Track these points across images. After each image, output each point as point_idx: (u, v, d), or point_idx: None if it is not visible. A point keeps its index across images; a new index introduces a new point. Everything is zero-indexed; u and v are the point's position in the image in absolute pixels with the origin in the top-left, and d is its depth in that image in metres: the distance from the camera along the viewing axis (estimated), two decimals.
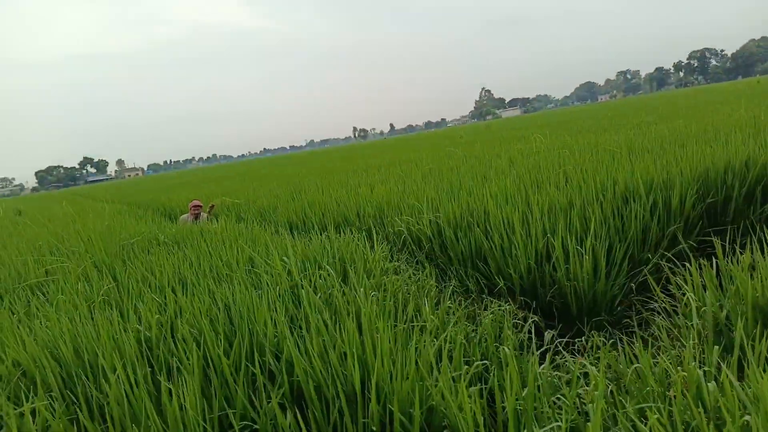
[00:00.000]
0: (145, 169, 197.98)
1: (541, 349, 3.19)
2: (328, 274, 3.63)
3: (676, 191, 4.44)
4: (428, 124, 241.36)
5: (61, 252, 5.83)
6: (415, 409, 2.16)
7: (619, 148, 7.09)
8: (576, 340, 3.47)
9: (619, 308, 3.62)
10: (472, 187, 5.78)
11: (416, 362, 2.43)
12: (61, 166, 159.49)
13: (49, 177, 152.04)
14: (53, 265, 4.95)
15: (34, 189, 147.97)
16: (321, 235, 6.03)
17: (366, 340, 2.52)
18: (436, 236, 4.84)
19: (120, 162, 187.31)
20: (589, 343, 3.31)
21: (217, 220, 9.03)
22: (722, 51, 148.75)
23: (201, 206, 9.23)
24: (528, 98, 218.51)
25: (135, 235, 6.37)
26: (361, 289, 3.30)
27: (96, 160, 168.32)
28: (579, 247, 3.69)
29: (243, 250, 4.34)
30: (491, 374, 2.68)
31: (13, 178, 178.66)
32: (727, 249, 3.65)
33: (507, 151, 10.22)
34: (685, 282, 3.14)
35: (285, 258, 3.96)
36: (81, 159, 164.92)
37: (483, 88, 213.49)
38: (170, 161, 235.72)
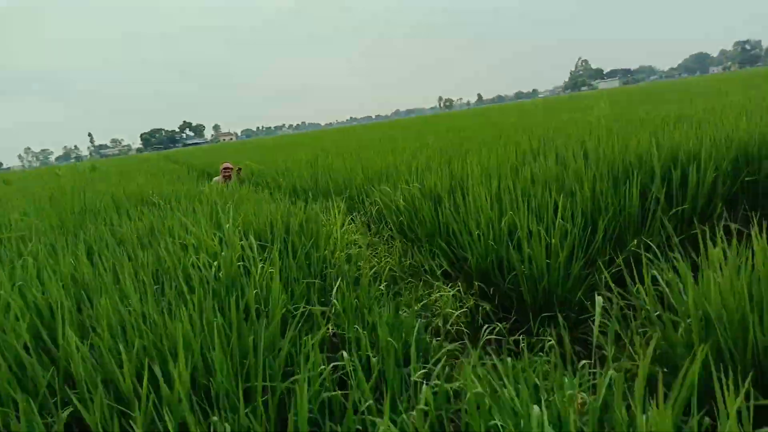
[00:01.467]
0: (239, 134, 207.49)
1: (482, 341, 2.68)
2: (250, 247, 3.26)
3: (693, 166, 3.60)
4: (519, 95, 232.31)
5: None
6: None
7: (668, 118, 6.06)
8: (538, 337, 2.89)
9: (576, 304, 2.96)
10: (475, 158, 5.14)
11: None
12: (163, 129, 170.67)
13: (152, 139, 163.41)
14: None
15: (138, 150, 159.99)
16: (315, 202, 5.69)
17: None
18: (410, 209, 4.31)
19: (216, 127, 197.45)
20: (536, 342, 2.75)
21: (241, 184, 8.98)
22: None
23: (231, 168, 9.20)
24: (629, 69, 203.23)
25: (145, 195, 6.40)
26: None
27: (194, 124, 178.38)
28: (540, 228, 3.04)
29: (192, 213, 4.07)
30: None
31: (122, 139, 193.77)
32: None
33: (554, 120, 9.24)
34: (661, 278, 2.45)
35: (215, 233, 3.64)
36: (181, 123, 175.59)
37: (579, 58, 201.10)
38: (262, 127, 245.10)
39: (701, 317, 1.83)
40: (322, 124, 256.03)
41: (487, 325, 2.86)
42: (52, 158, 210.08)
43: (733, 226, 2.75)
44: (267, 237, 3.64)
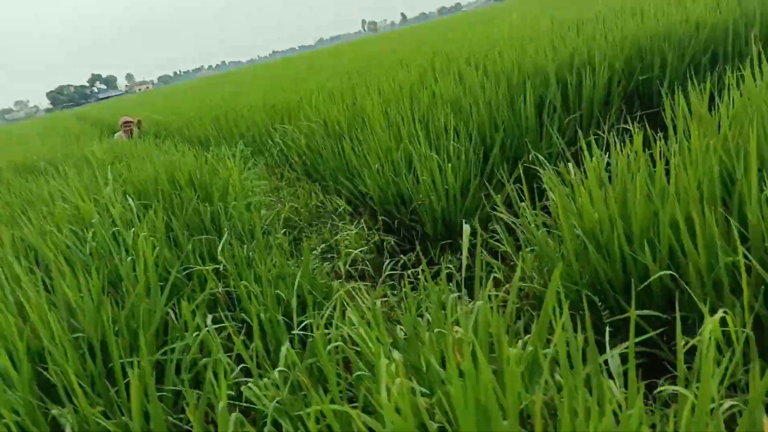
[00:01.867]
0: (155, 81, 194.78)
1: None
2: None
3: (587, 69, 3.54)
4: (442, 11, 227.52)
5: None
6: None
7: (568, 21, 5.98)
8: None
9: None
10: (375, 85, 4.91)
11: None
12: (71, 85, 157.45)
13: (60, 97, 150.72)
14: None
15: (47, 110, 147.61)
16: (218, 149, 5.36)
17: None
18: (313, 148, 4.10)
19: (129, 76, 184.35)
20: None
21: (141, 137, 8.39)
22: None
23: (131, 122, 8.55)
24: None
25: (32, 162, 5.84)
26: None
27: (105, 76, 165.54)
28: (432, 153, 2.93)
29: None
30: None
31: (28, 101, 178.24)
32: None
33: (467, 38, 9.01)
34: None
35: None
36: (89, 76, 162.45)
37: None
38: (180, 71, 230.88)
39: (577, 235, 1.79)
40: (244, 61, 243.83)
41: (390, 260, 2.79)
42: None
43: (630, 127, 2.73)
44: (151, 196, 3.37)
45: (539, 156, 2.54)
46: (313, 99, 4.79)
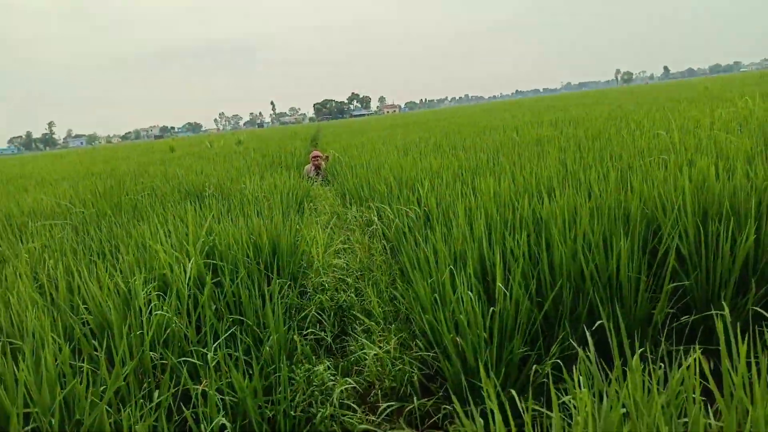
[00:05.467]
0: (402, 106, 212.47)
1: None
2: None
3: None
4: (714, 68, 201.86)
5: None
6: None
7: None
8: None
9: None
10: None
11: None
12: (333, 100, 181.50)
13: (323, 109, 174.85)
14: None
15: (311, 119, 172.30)
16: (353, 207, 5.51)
17: None
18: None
19: (381, 99, 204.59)
20: None
21: (320, 175, 9.04)
22: None
23: (320, 156, 9.32)
24: None
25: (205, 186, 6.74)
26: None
27: (361, 95, 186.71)
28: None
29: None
30: None
31: (299, 108, 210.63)
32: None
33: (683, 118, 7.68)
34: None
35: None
36: (349, 94, 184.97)
37: None
38: (425, 100, 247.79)
39: None
40: (486, 97, 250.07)
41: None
42: (241, 123, 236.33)
43: None
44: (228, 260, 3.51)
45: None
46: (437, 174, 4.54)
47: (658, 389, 1.61)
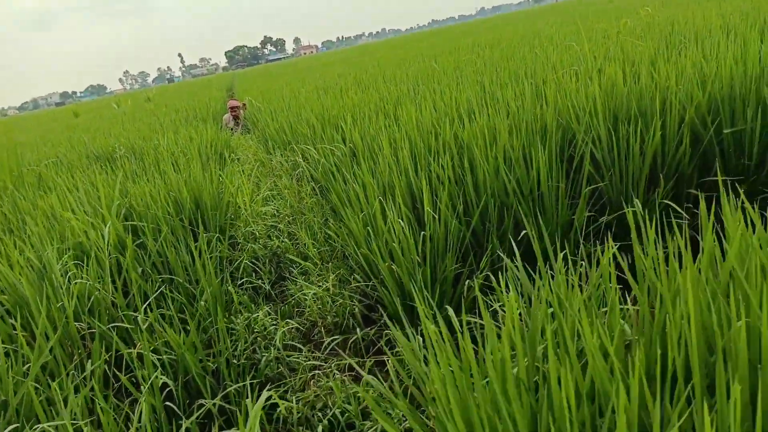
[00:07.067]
0: (319, 46, 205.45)
1: None
2: None
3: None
4: None
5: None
6: None
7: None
8: None
9: None
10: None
11: None
12: (246, 46, 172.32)
13: (236, 56, 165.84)
14: None
15: (224, 68, 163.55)
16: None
17: None
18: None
19: (296, 40, 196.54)
20: None
21: (239, 124, 8.69)
22: None
23: (238, 107, 8.92)
24: None
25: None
26: None
27: (275, 39, 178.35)
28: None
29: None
30: None
31: (210, 58, 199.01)
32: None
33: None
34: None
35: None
36: (262, 38, 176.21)
37: None
38: (342, 37, 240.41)
39: None
40: (403, 29, 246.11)
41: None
42: (150, 80, 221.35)
43: None
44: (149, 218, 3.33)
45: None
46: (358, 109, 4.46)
47: (580, 285, 1.71)
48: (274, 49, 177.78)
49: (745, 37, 3.60)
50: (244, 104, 9.04)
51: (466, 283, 2.38)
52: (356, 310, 2.65)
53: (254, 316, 2.57)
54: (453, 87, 4.88)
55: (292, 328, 2.52)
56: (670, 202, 2.47)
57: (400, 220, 2.51)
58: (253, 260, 3.32)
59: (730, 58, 3.07)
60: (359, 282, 2.77)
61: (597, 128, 2.89)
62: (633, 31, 6.00)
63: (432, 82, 5.66)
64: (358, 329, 2.53)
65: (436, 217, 2.54)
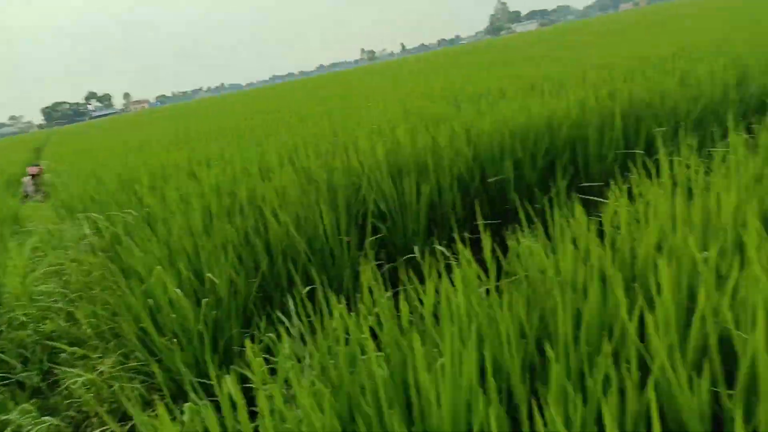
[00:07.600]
0: (152, 101, 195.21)
1: None
2: None
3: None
4: (441, 42, 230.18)
5: None
6: None
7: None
8: None
9: None
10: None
11: None
12: (66, 102, 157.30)
13: (54, 113, 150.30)
14: None
15: (39, 126, 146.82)
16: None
17: None
18: None
19: (126, 95, 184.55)
20: None
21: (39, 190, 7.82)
22: None
23: (35, 174, 8.02)
24: (546, 10, 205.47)
25: None
26: None
27: (100, 94, 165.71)
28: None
29: None
30: None
31: (22, 116, 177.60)
32: None
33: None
34: None
35: None
36: (86, 93, 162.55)
37: (498, 0, 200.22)
38: (178, 92, 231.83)
39: None
40: (243, 84, 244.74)
41: None
42: None
43: None
44: None
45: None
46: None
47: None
48: (101, 104, 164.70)
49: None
50: (41, 169, 8.14)
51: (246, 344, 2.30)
52: (136, 393, 2.40)
53: (6, 418, 2.20)
54: (263, 142, 4.91)
55: (51, 425, 2.19)
56: (443, 248, 2.66)
57: (177, 290, 2.36)
58: (23, 348, 2.89)
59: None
60: (141, 361, 2.53)
61: (380, 183, 3.05)
62: (431, 93, 6.64)
63: (242, 139, 5.63)
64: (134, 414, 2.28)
65: (219, 282, 2.44)
